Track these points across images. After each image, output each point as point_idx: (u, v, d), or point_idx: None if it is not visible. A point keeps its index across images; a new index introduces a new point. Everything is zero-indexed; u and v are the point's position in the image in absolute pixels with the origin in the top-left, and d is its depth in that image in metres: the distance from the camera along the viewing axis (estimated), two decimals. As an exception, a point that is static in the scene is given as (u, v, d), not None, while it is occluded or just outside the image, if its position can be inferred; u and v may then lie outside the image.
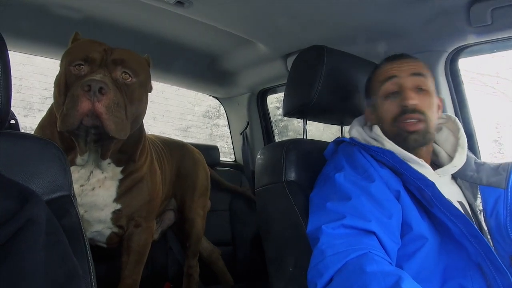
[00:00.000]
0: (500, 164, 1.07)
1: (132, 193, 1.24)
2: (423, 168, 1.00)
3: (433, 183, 0.93)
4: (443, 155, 1.13)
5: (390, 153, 1.00)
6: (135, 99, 1.09)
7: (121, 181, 1.21)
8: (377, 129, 1.08)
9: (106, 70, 1.04)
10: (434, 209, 0.92)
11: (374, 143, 1.06)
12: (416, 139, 1.03)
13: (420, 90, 1.04)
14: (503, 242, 0.98)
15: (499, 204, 1.01)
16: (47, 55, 1.75)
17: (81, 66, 1.03)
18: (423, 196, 0.94)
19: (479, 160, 1.13)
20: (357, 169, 0.99)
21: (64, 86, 1.02)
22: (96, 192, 1.17)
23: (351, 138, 1.11)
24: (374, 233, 0.86)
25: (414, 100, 1.02)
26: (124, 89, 1.06)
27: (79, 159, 1.12)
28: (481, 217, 1.03)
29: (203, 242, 1.87)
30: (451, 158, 1.10)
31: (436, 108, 1.08)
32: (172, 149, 1.66)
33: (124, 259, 1.29)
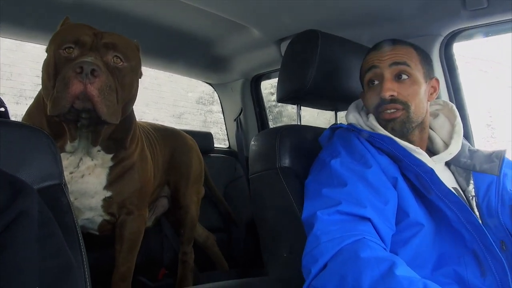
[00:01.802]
0: (493, 152, 1.07)
1: (123, 181, 1.23)
2: (419, 155, 0.99)
3: (432, 170, 0.93)
4: (438, 141, 1.13)
5: (389, 139, 0.99)
6: (127, 83, 1.07)
7: (111, 168, 1.20)
8: (372, 118, 1.07)
9: (97, 53, 1.02)
10: (432, 195, 0.92)
11: (356, 126, 1.07)
12: (393, 128, 1.03)
13: (401, 78, 1.03)
14: (493, 227, 0.99)
15: (491, 190, 1.02)
16: (38, 41, 1.72)
17: (71, 49, 1.01)
18: (421, 182, 0.94)
19: (472, 147, 1.13)
20: (354, 154, 0.98)
21: (54, 69, 1.00)
22: (86, 179, 1.16)
23: (350, 124, 1.10)
24: (369, 219, 0.86)
25: (391, 91, 1.02)
26: (116, 73, 1.04)
27: (68, 146, 1.10)
28: (473, 203, 1.04)
29: (198, 229, 1.87)
30: (446, 145, 1.10)
31: (425, 93, 1.07)
32: (165, 136, 1.64)
33: (117, 247, 1.29)
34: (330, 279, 0.79)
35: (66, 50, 1.01)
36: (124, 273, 1.29)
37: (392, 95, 1.02)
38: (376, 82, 1.06)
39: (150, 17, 1.58)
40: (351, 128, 1.07)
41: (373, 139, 1.01)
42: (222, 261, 1.97)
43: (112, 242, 1.31)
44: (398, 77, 1.04)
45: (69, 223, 0.76)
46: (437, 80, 1.12)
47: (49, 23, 1.28)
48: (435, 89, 1.11)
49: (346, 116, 1.16)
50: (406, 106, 1.02)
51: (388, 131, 1.03)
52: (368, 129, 1.07)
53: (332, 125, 1.16)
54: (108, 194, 1.21)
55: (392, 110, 1.03)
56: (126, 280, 1.30)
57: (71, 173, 1.13)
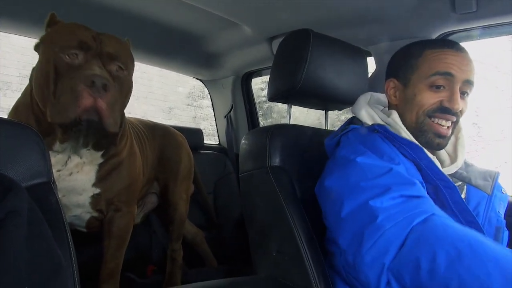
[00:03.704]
0: (486, 170, 1.06)
1: (112, 178, 1.22)
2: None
3: (454, 186, 0.91)
4: (442, 152, 1.10)
5: (418, 148, 0.94)
6: (126, 90, 1.09)
7: (100, 165, 1.19)
8: (395, 116, 1.01)
9: (99, 61, 1.01)
10: (447, 210, 0.90)
11: (389, 129, 1.00)
12: (439, 143, 1.00)
13: (464, 96, 1.00)
14: None
15: (480, 207, 1.03)
16: (24, 34, 1.69)
17: (75, 55, 0.99)
18: (438, 196, 0.91)
19: (468, 161, 1.11)
20: (382, 156, 0.92)
21: (54, 74, 0.98)
22: (74, 177, 1.15)
23: (378, 125, 1.00)
24: (425, 197, 0.83)
25: (459, 105, 0.97)
26: (117, 82, 1.04)
27: (58, 146, 1.09)
28: None
29: (187, 225, 1.87)
30: (449, 155, 1.08)
31: None
32: (154, 132, 1.63)
33: (106, 243, 1.29)
34: (410, 260, 0.75)
35: (70, 56, 0.99)
36: (112, 269, 1.28)
37: (459, 110, 0.98)
38: (442, 87, 0.98)
39: (141, 12, 1.57)
40: (376, 129, 0.99)
41: (399, 145, 0.95)
42: (211, 258, 1.97)
43: (100, 238, 1.30)
44: (462, 93, 0.99)
45: (58, 221, 0.76)
46: None
47: (35, 15, 1.26)
48: None
49: (357, 111, 1.09)
50: (457, 122, 1.00)
51: (433, 146, 1.00)
52: (386, 126, 1.01)
53: (341, 130, 1.07)
54: (97, 191, 1.20)
55: (448, 124, 0.99)
56: (114, 277, 1.29)
57: (58, 171, 1.12)
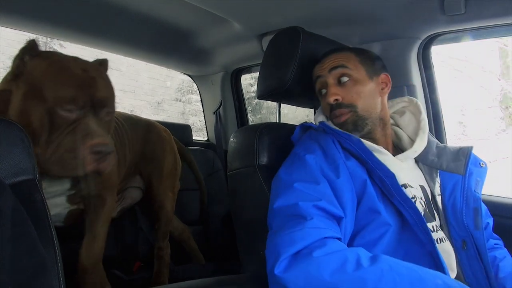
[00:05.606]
0: (460, 148, 1.08)
1: (87, 177, 1.20)
2: (383, 155, 1.01)
3: (393, 174, 0.94)
4: (405, 139, 1.14)
5: (357, 140, 1.00)
6: (111, 129, 1.11)
7: None
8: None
9: (93, 115, 1.02)
10: (394, 198, 0.94)
11: (328, 124, 1.09)
12: (347, 129, 1.05)
13: (343, 81, 1.07)
14: (457, 227, 1.01)
15: (456, 190, 1.03)
16: (19, 28, 1.64)
17: (70, 110, 0.99)
18: (384, 186, 0.95)
19: (440, 144, 1.13)
20: (327, 159, 0.98)
21: (49, 125, 0.98)
22: (48, 190, 1.13)
23: (321, 123, 1.10)
24: (342, 219, 0.89)
25: (335, 96, 1.06)
26: (106, 126, 1.06)
27: None
28: (439, 201, 1.05)
29: (174, 222, 1.86)
30: (412, 142, 1.11)
31: (374, 90, 1.09)
32: (136, 127, 1.59)
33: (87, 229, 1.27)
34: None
35: (64, 111, 0.99)
36: (87, 265, 1.26)
37: (336, 99, 1.06)
38: (324, 91, 1.11)
39: (130, 7, 1.54)
40: (323, 128, 1.08)
41: (343, 140, 1.02)
42: (198, 254, 1.97)
43: (78, 234, 1.29)
44: (339, 81, 1.08)
45: (42, 219, 0.74)
46: (386, 75, 1.13)
47: (38, 13, 1.22)
48: (386, 84, 1.13)
49: (316, 119, 1.17)
50: (352, 107, 1.06)
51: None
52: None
53: (302, 123, 1.16)
54: (72, 192, 1.20)
55: (339, 115, 1.06)
56: (88, 272, 1.26)
57: None
